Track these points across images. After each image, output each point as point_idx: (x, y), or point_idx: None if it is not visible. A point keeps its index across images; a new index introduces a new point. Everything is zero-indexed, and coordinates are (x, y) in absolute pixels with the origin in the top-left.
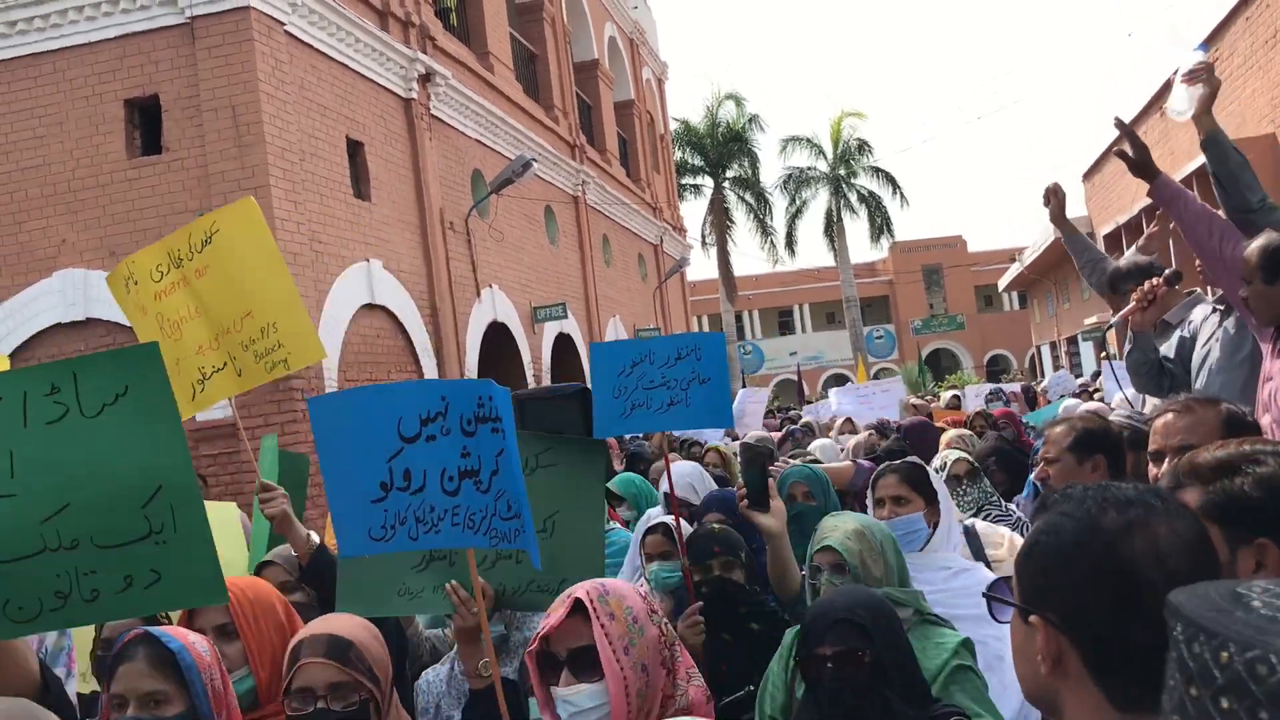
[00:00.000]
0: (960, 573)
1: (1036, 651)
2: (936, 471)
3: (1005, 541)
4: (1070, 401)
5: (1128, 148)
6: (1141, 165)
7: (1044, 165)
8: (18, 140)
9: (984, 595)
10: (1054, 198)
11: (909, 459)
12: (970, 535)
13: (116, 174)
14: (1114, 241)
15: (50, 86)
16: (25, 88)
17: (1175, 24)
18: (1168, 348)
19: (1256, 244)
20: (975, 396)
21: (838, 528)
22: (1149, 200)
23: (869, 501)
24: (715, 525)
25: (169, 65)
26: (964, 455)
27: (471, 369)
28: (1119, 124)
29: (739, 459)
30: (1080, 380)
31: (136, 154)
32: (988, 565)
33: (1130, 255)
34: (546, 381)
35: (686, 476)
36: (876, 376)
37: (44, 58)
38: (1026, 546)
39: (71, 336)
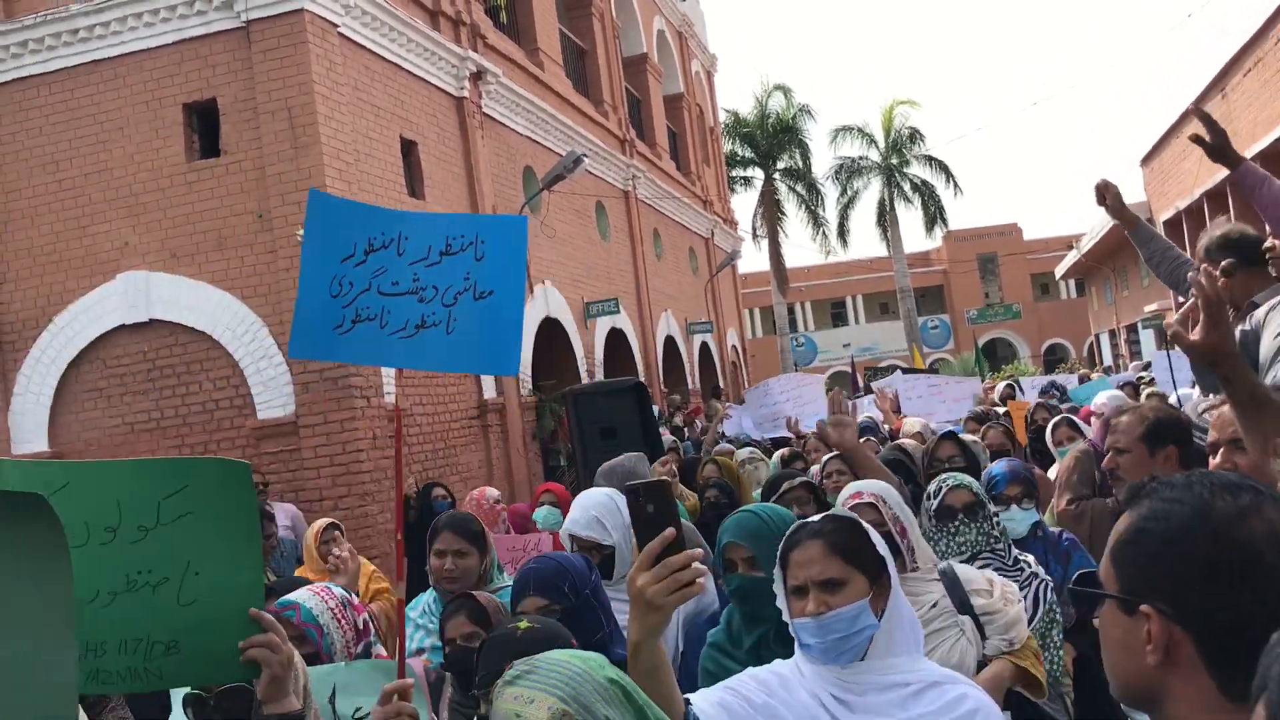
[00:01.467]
0: (926, 689)
1: (1143, 642)
2: (928, 499)
3: (996, 588)
4: (1113, 392)
5: (1205, 133)
6: (1220, 151)
7: (1100, 150)
8: (81, 146)
9: (1070, 589)
10: (1107, 193)
11: (838, 515)
12: (947, 580)
13: (176, 177)
14: (1174, 227)
15: (111, 93)
16: (88, 94)
17: (1223, 14)
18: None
19: None
20: (1031, 389)
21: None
22: (1210, 185)
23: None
24: (520, 624)
25: (225, 69)
26: (966, 482)
27: (525, 365)
28: (1196, 110)
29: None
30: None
31: (195, 157)
32: (974, 617)
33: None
34: (600, 378)
35: (593, 509)
36: (932, 368)
37: (104, 64)
38: (1130, 534)
39: (135, 337)
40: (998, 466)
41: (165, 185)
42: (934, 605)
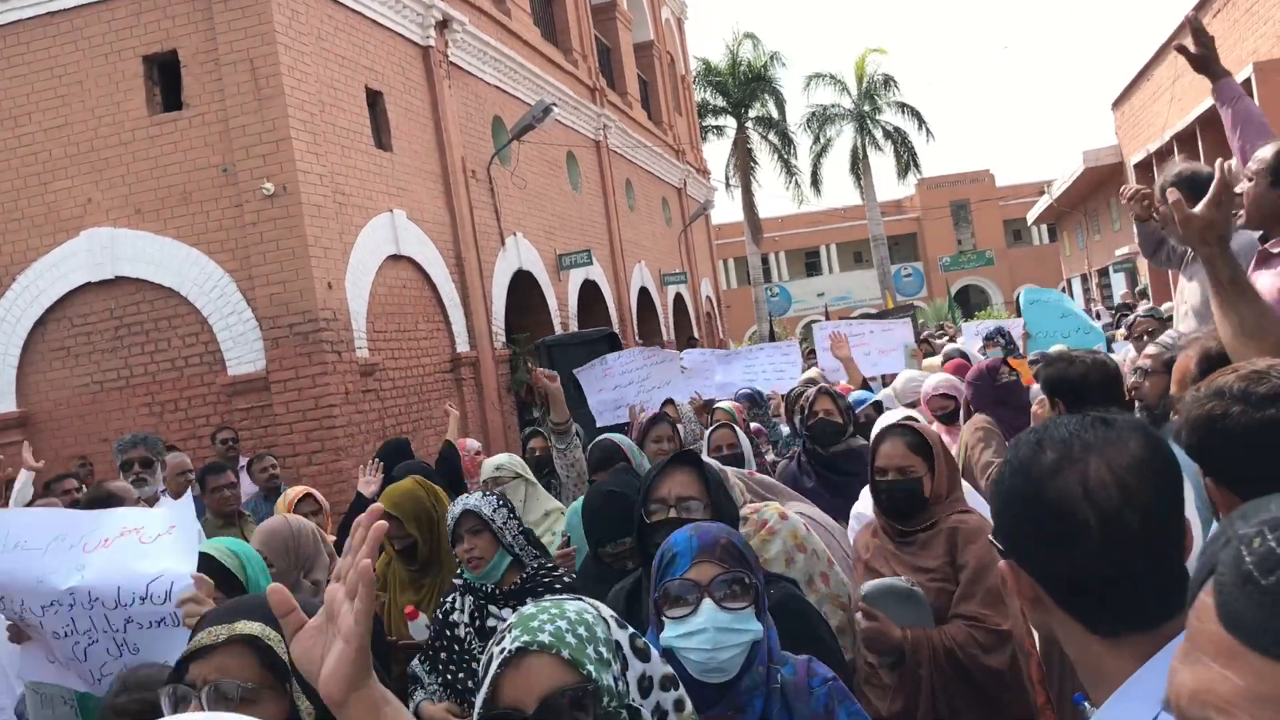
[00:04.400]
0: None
1: (1018, 594)
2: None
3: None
4: (911, 374)
5: (1190, 44)
6: (1204, 61)
7: (1071, 94)
8: (39, 101)
9: (989, 539)
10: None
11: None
12: None
13: (139, 131)
14: (1144, 169)
15: (69, 45)
16: (44, 47)
17: None
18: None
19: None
20: (975, 335)
21: None
22: (1179, 127)
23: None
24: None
25: (186, 20)
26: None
27: (498, 317)
28: (1189, 19)
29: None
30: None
31: (158, 110)
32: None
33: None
34: (575, 330)
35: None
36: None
37: (60, 16)
38: (992, 494)
39: (101, 295)
40: None
41: (127, 140)
42: None
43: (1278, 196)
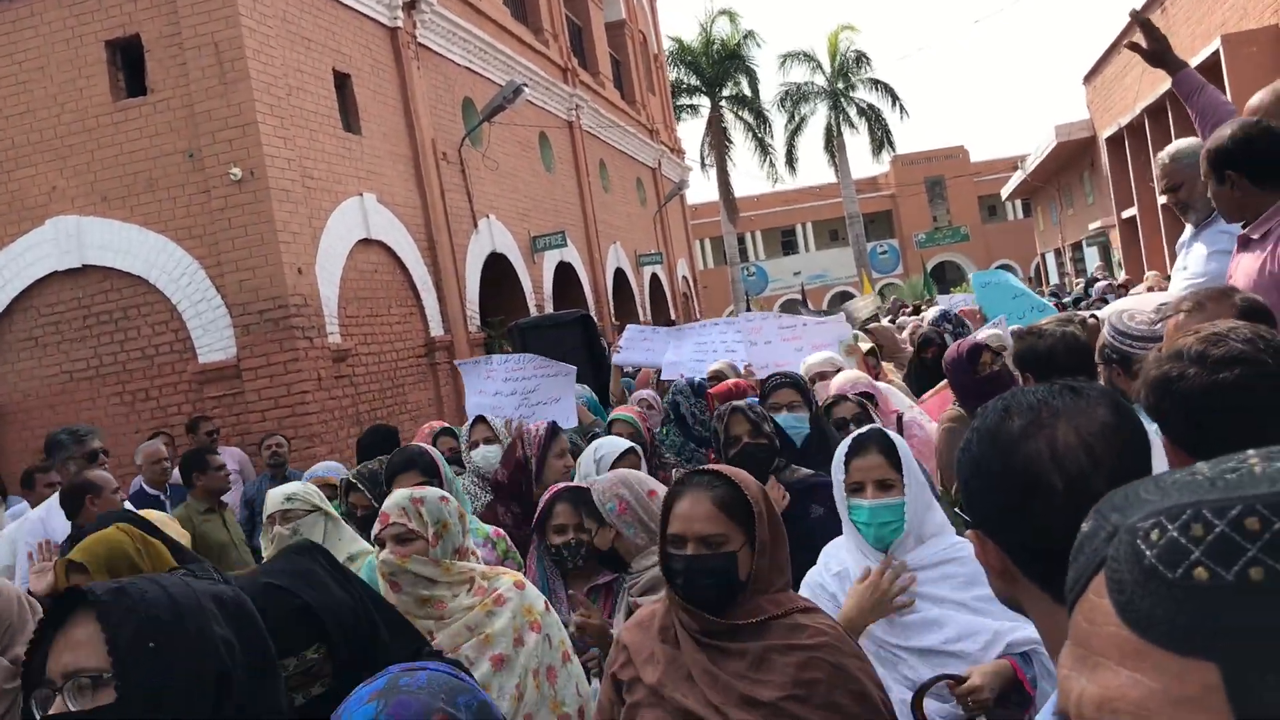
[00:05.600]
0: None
1: (985, 563)
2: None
3: None
4: (824, 354)
5: (1141, 39)
6: (1158, 56)
7: (1043, 68)
8: (0, 88)
9: (955, 510)
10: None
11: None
12: None
13: (103, 117)
14: (1116, 144)
15: (29, 30)
16: (3, 32)
17: None
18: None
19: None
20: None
21: None
22: (1150, 101)
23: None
24: None
25: (149, 3)
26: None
27: (472, 301)
28: (1134, 15)
29: None
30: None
31: (121, 96)
32: None
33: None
34: (550, 311)
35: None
36: (882, 295)
37: (20, 1)
38: (959, 462)
39: (69, 284)
40: None
41: (91, 126)
42: None
43: (1230, 190)
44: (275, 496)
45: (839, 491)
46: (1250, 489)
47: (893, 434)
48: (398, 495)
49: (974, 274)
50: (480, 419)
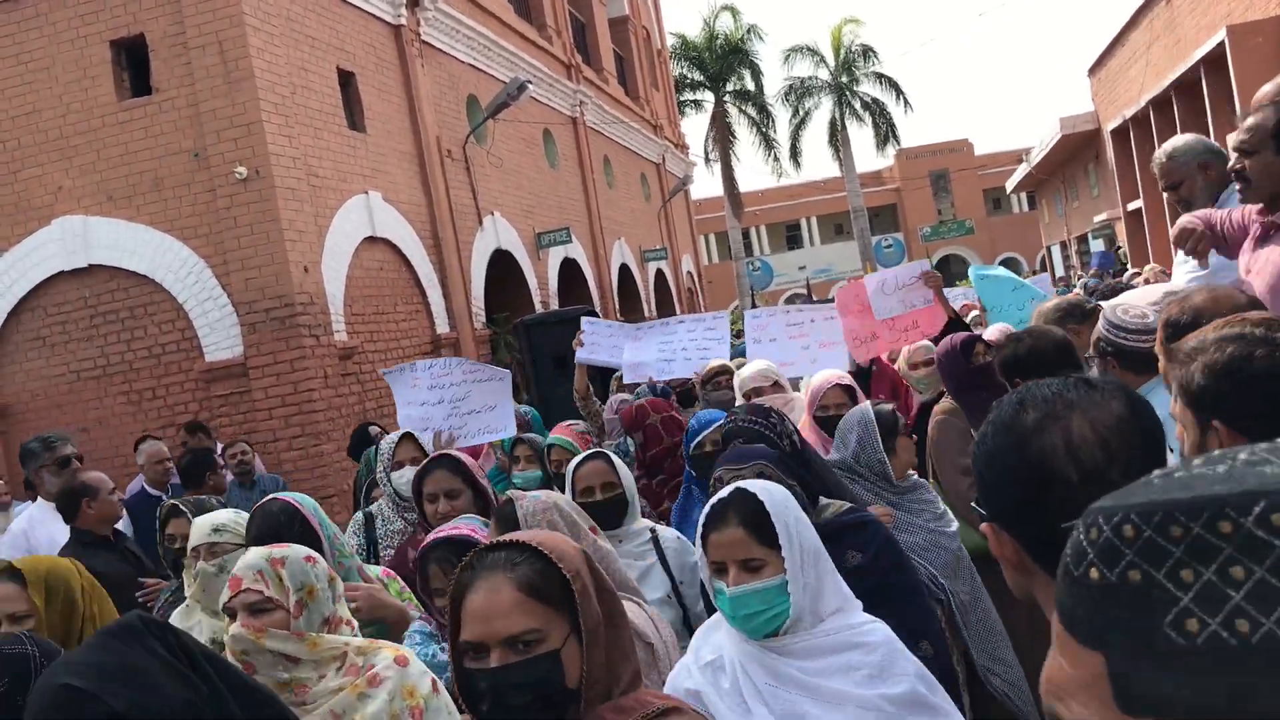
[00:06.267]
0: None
1: (1000, 556)
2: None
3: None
4: (763, 364)
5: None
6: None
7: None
8: (6, 88)
9: (973, 505)
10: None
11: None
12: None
13: (108, 117)
14: (1121, 136)
15: (34, 31)
16: (9, 33)
17: None
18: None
19: (1272, 112)
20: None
21: None
22: (1155, 92)
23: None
24: None
25: (153, 3)
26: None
27: (478, 298)
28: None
29: None
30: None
31: (126, 96)
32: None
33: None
34: (555, 308)
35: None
36: None
37: (25, 2)
38: (973, 455)
39: (75, 283)
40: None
41: (97, 126)
42: None
43: None
44: (201, 527)
45: (702, 570)
46: (1180, 492)
47: (770, 488)
48: (252, 555)
49: (972, 267)
50: (408, 436)
